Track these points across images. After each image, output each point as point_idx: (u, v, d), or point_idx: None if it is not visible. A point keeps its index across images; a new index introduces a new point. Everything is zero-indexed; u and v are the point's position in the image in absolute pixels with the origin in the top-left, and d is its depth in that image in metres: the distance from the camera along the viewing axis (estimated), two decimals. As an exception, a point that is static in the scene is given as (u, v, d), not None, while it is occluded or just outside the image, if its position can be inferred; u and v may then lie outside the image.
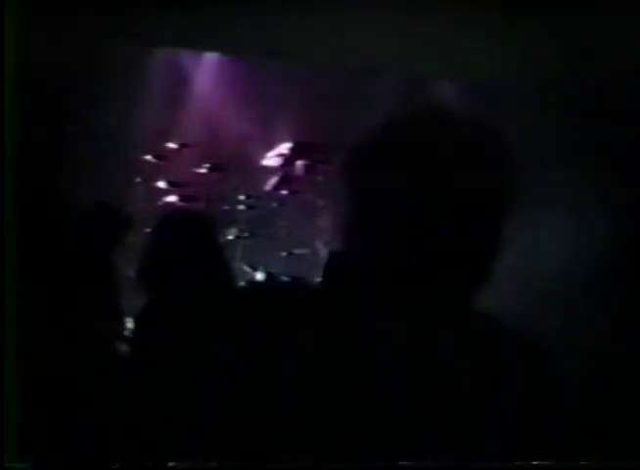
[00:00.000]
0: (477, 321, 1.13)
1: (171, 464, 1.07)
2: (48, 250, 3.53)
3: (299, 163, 6.61)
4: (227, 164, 6.58)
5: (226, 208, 6.57)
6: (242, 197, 6.71)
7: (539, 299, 5.01)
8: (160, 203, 6.33)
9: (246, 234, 6.64)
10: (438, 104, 1.25)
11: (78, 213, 3.94)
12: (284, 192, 6.75)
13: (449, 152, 1.08)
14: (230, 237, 6.50)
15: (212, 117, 6.52)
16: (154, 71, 6.32)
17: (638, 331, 4.60)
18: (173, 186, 6.41)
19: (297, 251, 6.52)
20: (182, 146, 6.40)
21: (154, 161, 6.34)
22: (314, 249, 6.41)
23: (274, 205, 6.78)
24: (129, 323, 3.36)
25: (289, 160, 6.60)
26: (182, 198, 6.39)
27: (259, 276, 6.29)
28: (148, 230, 2.89)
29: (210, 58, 6.53)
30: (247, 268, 6.38)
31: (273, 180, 6.72)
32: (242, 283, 4.30)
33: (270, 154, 6.64)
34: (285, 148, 6.59)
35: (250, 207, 6.71)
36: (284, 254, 6.61)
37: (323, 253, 6.26)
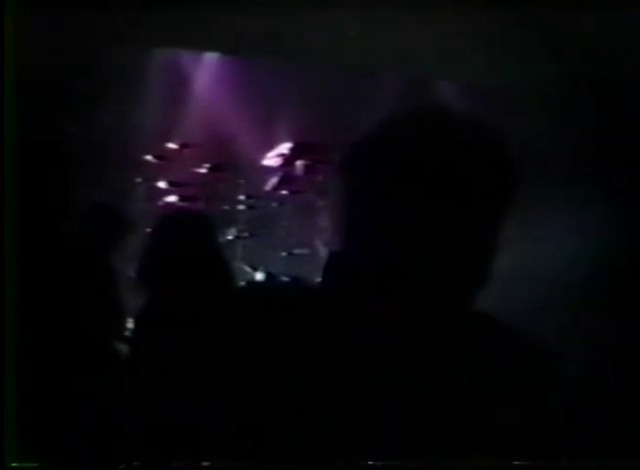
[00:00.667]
0: (477, 321, 1.13)
1: (172, 464, 1.07)
2: (48, 250, 3.53)
3: (299, 163, 6.61)
4: (227, 164, 6.58)
5: (226, 208, 6.57)
6: (242, 197, 6.71)
7: (539, 299, 5.01)
8: (160, 203, 6.32)
9: (246, 234, 6.64)
10: (438, 104, 1.25)
11: (78, 213, 3.94)
12: (284, 192, 6.75)
13: (449, 152, 1.08)
14: (230, 237, 6.50)
15: (212, 117, 6.52)
16: (154, 71, 6.32)
17: (638, 331, 4.60)
18: (173, 186, 6.41)
19: (297, 251, 6.52)
20: (182, 146, 6.40)
21: (154, 161, 6.34)
22: (314, 249, 6.41)
23: (274, 205, 6.78)
24: (129, 323, 3.36)
25: (289, 160, 6.60)
26: (182, 198, 6.39)
27: (259, 276, 6.29)
28: (148, 230, 2.89)
29: (210, 58, 6.52)
30: (247, 268, 6.38)
31: (273, 180, 6.72)
32: (242, 283, 4.30)
33: (270, 154, 6.64)
34: (285, 148, 6.59)
35: (250, 207, 6.71)
36: (284, 254, 6.61)
37: (323, 253, 6.26)
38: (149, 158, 6.31)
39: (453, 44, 4.94)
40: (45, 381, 2.93)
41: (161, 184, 6.38)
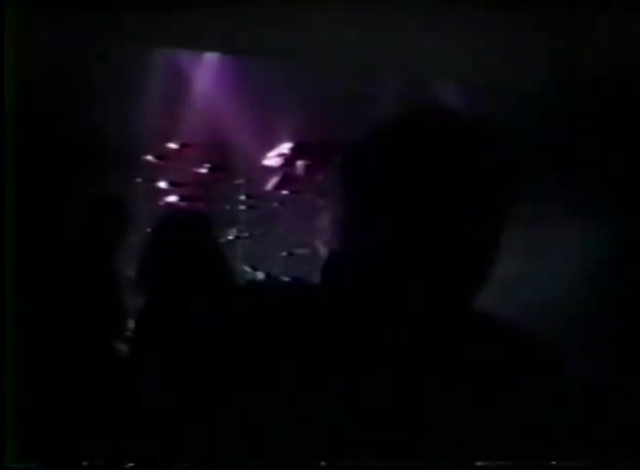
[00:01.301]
0: (477, 321, 1.13)
1: (172, 464, 1.07)
2: (48, 250, 3.53)
3: (299, 163, 6.61)
4: (227, 165, 6.58)
5: (226, 208, 6.57)
6: (242, 197, 6.70)
7: (540, 299, 5.01)
8: (160, 203, 6.33)
9: (246, 234, 6.64)
10: (438, 104, 1.25)
11: (78, 213, 3.94)
12: (284, 192, 6.75)
13: (448, 152, 1.08)
14: (230, 237, 6.50)
15: (212, 117, 6.51)
16: (154, 71, 6.32)
17: (638, 331, 4.60)
18: (174, 186, 6.41)
19: (297, 251, 6.52)
20: (182, 146, 6.40)
21: (154, 161, 6.34)
22: (314, 249, 6.40)
23: (274, 205, 6.78)
24: (129, 323, 3.36)
25: (289, 160, 6.60)
26: (182, 198, 6.39)
27: (259, 276, 6.29)
28: (148, 230, 2.89)
29: (210, 58, 6.53)
30: (247, 268, 6.38)
31: (273, 180, 6.72)
32: (242, 283, 4.30)
33: (270, 154, 6.64)
34: (285, 148, 6.59)
35: (250, 207, 6.71)
36: (284, 254, 6.61)
37: (323, 253, 6.26)
38: (149, 158, 6.31)
39: (453, 44, 4.94)
40: (45, 382, 2.93)
41: (161, 184, 6.38)
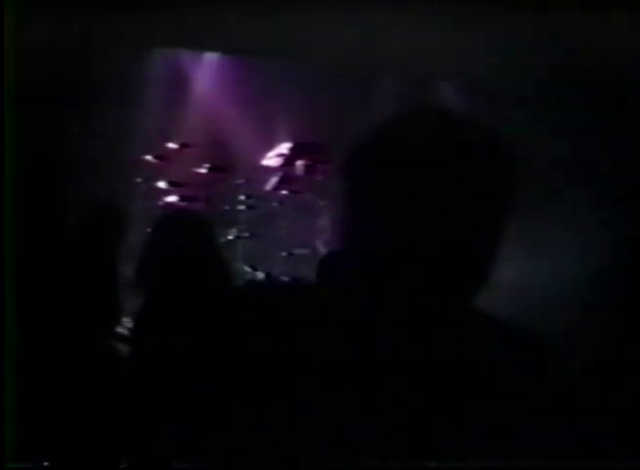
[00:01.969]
0: (477, 321, 1.13)
1: (171, 464, 1.07)
2: (48, 250, 3.53)
3: (299, 163, 6.61)
4: (227, 164, 6.58)
5: (226, 208, 6.57)
6: (242, 197, 6.70)
7: (539, 299, 5.01)
8: (160, 203, 6.32)
9: (246, 234, 6.64)
10: (438, 104, 1.25)
11: (78, 213, 3.94)
12: (284, 192, 6.75)
13: (448, 152, 1.08)
14: (230, 237, 6.50)
15: (212, 117, 6.52)
16: (154, 71, 6.32)
17: (638, 331, 4.60)
18: (173, 186, 6.41)
19: (297, 251, 6.52)
20: (182, 146, 6.40)
21: (154, 161, 6.34)
22: (314, 249, 6.40)
23: (274, 205, 6.78)
24: (129, 323, 3.36)
25: (289, 160, 6.60)
26: (182, 198, 6.39)
27: (259, 276, 6.29)
28: (148, 230, 2.89)
29: (210, 58, 6.53)
30: (247, 268, 6.38)
31: (273, 180, 6.72)
32: (242, 283, 4.30)
33: (270, 154, 6.64)
34: (285, 148, 6.59)
35: (250, 207, 6.71)
36: (284, 254, 6.61)
37: (323, 253, 6.25)
38: (149, 158, 6.31)
39: (453, 44, 4.94)
40: (45, 382, 2.93)
41: (161, 184, 6.38)
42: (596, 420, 1.12)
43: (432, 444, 1.03)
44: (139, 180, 6.34)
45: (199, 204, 6.29)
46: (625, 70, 4.75)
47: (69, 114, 5.77)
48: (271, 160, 6.63)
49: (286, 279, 5.30)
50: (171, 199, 6.41)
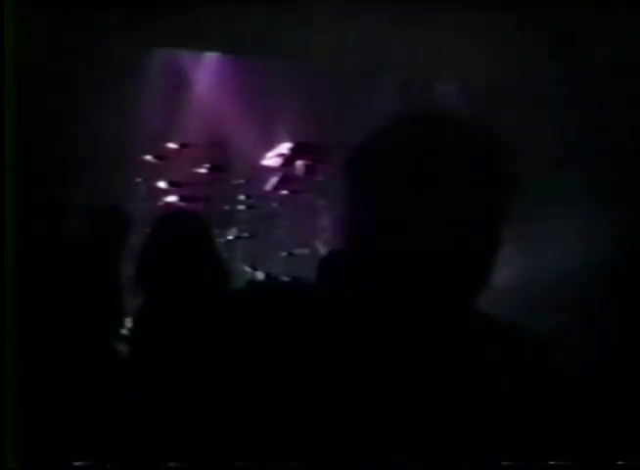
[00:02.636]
0: (476, 322, 1.13)
1: (171, 464, 1.07)
2: (48, 250, 3.53)
3: (299, 163, 6.61)
4: (227, 164, 6.58)
5: (226, 208, 6.57)
6: (242, 197, 6.70)
7: (539, 299, 5.01)
8: (160, 203, 6.33)
9: (246, 234, 6.64)
10: (438, 104, 1.25)
11: (79, 213, 3.94)
12: (284, 192, 6.75)
13: (449, 153, 1.08)
14: (230, 237, 6.50)
15: (212, 117, 6.52)
16: (154, 71, 6.32)
17: (638, 331, 4.60)
18: (173, 186, 6.41)
19: (297, 251, 6.52)
20: (182, 146, 6.41)
21: (154, 161, 6.34)
22: (314, 249, 6.41)
23: (274, 205, 6.78)
24: (129, 323, 3.36)
25: (289, 160, 6.60)
26: (182, 198, 6.39)
27: (259, 276, 6.29)
28: (148, 230, 2.88)
29: (210, 58, 6.53)
30: (247, 268, 6.38)
31: (273, 180, 6.72)
32: (242, 283, 4.30)
33: (270, 154, 6.64)
34: (285, 148, 6.59)
35: (250, 207, 6.71)
36: (284, 254, 6.61)
37: (323, 253, 6.26)
38: (149, 158, 6.31)
39: (453, 44, 4.94)
40: (45, 382, 2.93)
41: (161, 184, 6.38)
42: (596, 420, 1.12)
43: (432, 444, 1.03)
44: (139, 180, 6.34)
45: (199, 204, 6.29)
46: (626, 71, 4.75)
47: (69, 113, 5.77)
48: (271, 160, 6.63)
49: (286, 279, 5.31)
50: (171, 199, 6.41)
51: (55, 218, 3.93)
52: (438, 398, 1.04)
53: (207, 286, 2.62)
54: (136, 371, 2.52)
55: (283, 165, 6.64)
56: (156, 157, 6.33)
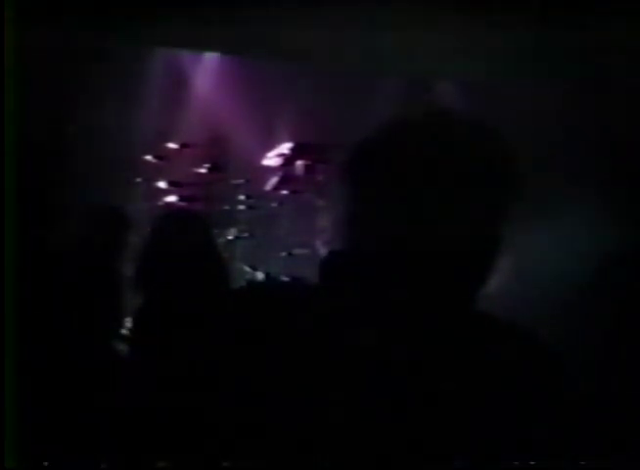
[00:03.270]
0: (477, 321, 1.13)
1: (170, 464, 1.07)
2: (48, 250, 3.53)
3: (299, 163, 6.61)
4: (227, 164, 6.58)
5: (226, 208, 6.56)
6: (242, 197, 6.70)
7: (541, 299, 5.01)
8: (160, 203, 6.32)
9: (246, 234, 6.64)
10: (438, 104, 1.25)
11: (78, 213, 3.94)
12: (284, 192, 6.75)
13: (449, 153, 1.08)
14: (230, 237, 6.49)
15: (212, 117, 6.52)
16: (154, 71, 6.32)
17: (638, 331, 4.60)
18: (173, 186, 6.41)
19: (296, 251, 6.51)
20: (182, 146, 6.40)
21: (154, 161, 6.34)
22: (314, 249, 6.40)
23: (274, 205, 6.78)
24: (128, 323, 3.36)
25: (289, 160, 6.59)
26: (182, 198, 6.38)
27: (259, 276, 6.28)
28: (148, 230, 2.88)
29: (210, 58, 6.53)
30: (247, 268, 6.38)
31: (273, 180, 6.71)
32: (242, 283, 4.30)
33: (270, 154, 6.63)
34: (285, 148, 6.58)
35: (250, 207, 6.71)
36: (284, 254, 6.60)
37: (323, 253, 6.25)
38: (149, 158, 6.31)
39: (453, 44, 4.94)
40: (45, 382, 2.93)
41: (161, 184, 6.37)
42: (596, 420, 1.12)
43: (432, 444, 1.03)
44: (139, 180, 6.34)
45: (199, 204, 6.29)
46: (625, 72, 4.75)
47: (70, 113, 5.77)
48: (271, 160, 6.63)
49: (286, 279, 5.30)
50: (171, 199, 6.40)
51: (55, 218, 3.93)
52: (439, 397, 1.04)
53: (207, 286, 2.62)
54: (136, 371, 2.52)
55: (283, 165, 6.63)
56: (156, 157, 6.32)
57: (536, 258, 5.20)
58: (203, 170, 6.50)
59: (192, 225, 2.79)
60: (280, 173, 6.69)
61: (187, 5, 4.58)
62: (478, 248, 1.10)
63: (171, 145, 6.37)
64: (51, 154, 5.41)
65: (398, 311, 1.08)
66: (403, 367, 1.05)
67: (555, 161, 5.30)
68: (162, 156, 6.35)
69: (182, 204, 6.31)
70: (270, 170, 6.69)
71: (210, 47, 6.27)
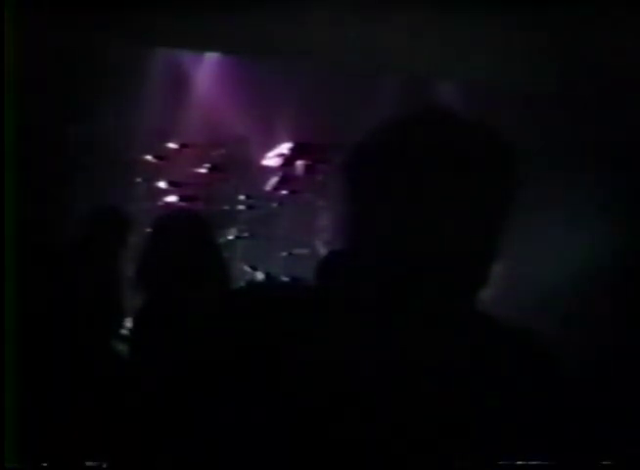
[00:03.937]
0: (476, 321, 1.13)
1: (169, 464, 1.07)
2: (48, 250, 3.53)
3: (299, 163, 6.61)
4: (227, 164, 6.58)
5: (226, 208, 6.56)
6: (242, 197, 6.70)
7: (539, 299, 5.01)
8: (160, 203, 6.32)
9: (246, 234, 6.64)
10: (438, 104, 1.25)
11: (79, 214, 3.94)
12: (284, 192, 6.75)
13: (450, 153, 1.08)
14: (230, 237, 6.49)
15: (212, 117, 6.52)
16: (154, 71, 6.32)
17: (638, 331, 4.60)
18: (173, 186, 6.41)
19: (297, 251, 6.51)
20: (182, 146, 6.40)
21: (154, 161, 6.34)
22: (314, 249, 6.40)
23: (274, 205, 6.78)
24: (129, 323, 3.36)
25: (289, 160, 6.59)
26: (182, 198, 6.38)
27: (259, 276, 6.28)
28: (148, 230, 2.88)
29: (210, 58, 6.53)
30: (247, 268, 6.38)
31: (273, 180, 6.71)
32: (242, 283, 4.30)
33: (270, 154, 6.63)
34: (285, 148, 6.58)
35: (250, 207, 6.71)
36: (284, 254, 6.61)
37: (323, 253, 6.25)
38: (149, 158, 6.31)
39: (453, 44, 4.94)
40: (45, 382, 2.93)
41: (161, 184, 6.38)
42: (596, 420, 1.12)
43: (432, 444, 1.03)
44: (139, 180, 6.34)
45: (199, 204, 6.29)
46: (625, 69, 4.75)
47: (69, 113, 5.77)
48: (271, 160, 6.63)
49: (286, 279, 5.30)
50: (171, 199, 6.40)
51: (55, 218, 3.93)
52: (439, 397, 1.04)
53: (208, 286, 2.62)
54: (136, 371, 2.52)
55: (283, 165, 6.63)
56: (156, 157, 6.33)
57: (536, 258, 5.20)
58: (203, 170, 6.50)
59: (193, 225, 2.79)
60: (280, 173, 6.69)
61: (187, 5, 4.59)
62: (478, 248, 1.10)
63: (171, 145, 6.37)
64: (51, 154, 5.41)
65: (398, 311, 1.08)
66: (403, 367, 1.05)
67: (556, 160, 5.30)
68: (162, 156, 6.35)
69: (182, 204, 6.31)
70: (270, 170, 6.69)
71: (210, 47, 6.27)
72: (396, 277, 1.08)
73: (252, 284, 2.78)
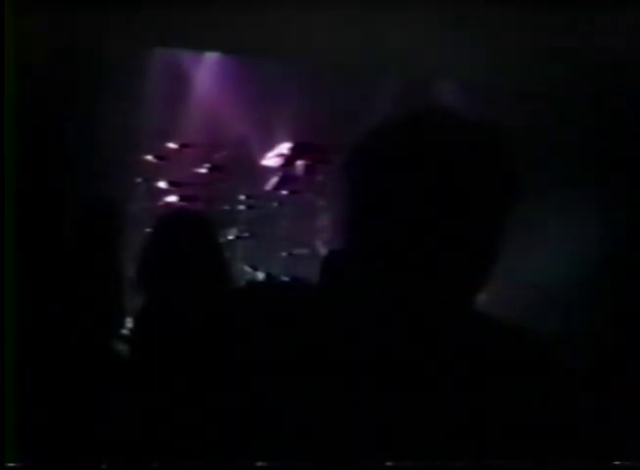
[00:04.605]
0: (477, 321, 1.13)
1: (169, 464, 1.07)
2: (48, 250, 3.53)
3: (299, 163, 6.61)
4: (227, 164, 6.58)
5: (226, 208, 6.57)
6: (242, 197, 6.70)
7: (539, 299, 5.01)
8: (160, 203, 6.33)
9: (246, 234, 6.64)
10: (438, 104, 1.25)
11: (78, 213, 3.94)
12: (284, 192, 6.75)
13: (449, 153, 1.08)
14: (230, 237, 6.50)
15: (212, 117, 6.52)
16: (154, 71, 6.33)
17: (637, 331, 4.60)
18: (173, 186, 6.41)
19: (296, 251, 6.52)
20: (182, 146, 6.41)
21: (154, 161, 6.34)
22: (314, 249, 6.40)
23: (274, 205, 6.78)
24: (129, 323, 3.36)
25: (289, 160, 6.60)
26: (182, 198, 6.39)
27: (259, 276, 6.29)
28: (148, 230, 2.88)
29: (210, 58, 6.53)
30: (247, 268, 6.38)
31: (273, 180, 6.72)
32: (242, 283, 4.30)
33: (270, 154, 6.64)
34: (285, 148, 6.59)
35: (250, 207, 6.71)
36: (284, 254, 6.61)
37: (323, 253, 6.25)
38: (149, 158, 6.32)
39: (453, 44, 4.94)
40: (45, 382, 2.93)
41: (161, 184, 6.38)
42: (596, 420, 1.12)
43: (432, 444, 1.03)
44: (139, 180, 6.34)
45: (199, 204, 6.29)
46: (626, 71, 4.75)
47: (69, 113, 5.77)
48: (271, 160, 6.63)
49: (286, 279, 5.30)
50: (171, 199, 6.41)
51: (55, 218, 3.93)
52: (439, 397, 1.04)
53: (208, 286, 2.62)
54: (136, 371, 2.52)
55: (283, 165, 6.64)
56: (156, 157, 6.33)
57: (536, 258, 5.20)
58: (203, 170, 6.51)
59: (194, 225, 2.79)
60: (280, 173, 6.69)
61: (187, 5, 4.59)
62: (478, 247, 1.10)
63: (171, 145, 6.37)
64: (50, 154, 5.41)
65: (398, 311, 1.08)
66: (403, 367, 1.05)
67: (556, 161, 5.30)
68: (162, 156, 6.35)
69: (182, 204, 6.32)
70: (270, 170, 6.70)
71: (210, 47, 6.27)
72: (396, 277, 1.08)
73: (253, 284, 2.78)
